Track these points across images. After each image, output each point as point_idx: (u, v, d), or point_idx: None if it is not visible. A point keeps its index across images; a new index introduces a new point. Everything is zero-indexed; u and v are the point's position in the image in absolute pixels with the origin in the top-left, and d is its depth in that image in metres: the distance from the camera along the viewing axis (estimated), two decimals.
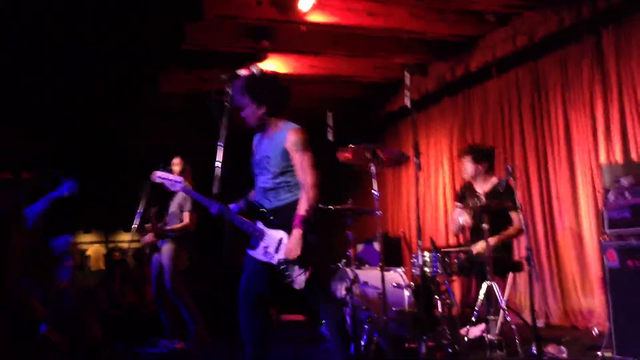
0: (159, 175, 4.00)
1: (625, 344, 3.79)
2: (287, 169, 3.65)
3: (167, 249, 5.65)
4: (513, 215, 5.17)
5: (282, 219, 3.60)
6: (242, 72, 3.35)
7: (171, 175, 4.01)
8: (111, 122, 8.84)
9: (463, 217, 5.27)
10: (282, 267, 3.53)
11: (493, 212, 4.88)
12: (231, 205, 3.78)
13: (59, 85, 7.51)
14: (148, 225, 5.65)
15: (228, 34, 6.59)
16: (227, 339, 3.10)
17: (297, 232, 3.48)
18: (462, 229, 5.53)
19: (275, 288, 3.69)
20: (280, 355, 5.05)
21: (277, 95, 3.71)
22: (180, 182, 3.95)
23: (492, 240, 4.80)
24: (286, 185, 3.66)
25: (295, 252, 3.47)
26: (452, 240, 7.70)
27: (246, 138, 3.90)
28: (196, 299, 5.71)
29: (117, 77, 7.48)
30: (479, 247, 5.11)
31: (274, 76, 3.78)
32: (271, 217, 3.65)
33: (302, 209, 3.52)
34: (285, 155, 3.64)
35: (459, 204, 5.50)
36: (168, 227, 5.69)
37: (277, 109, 3.73)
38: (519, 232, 5.20)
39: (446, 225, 8.00)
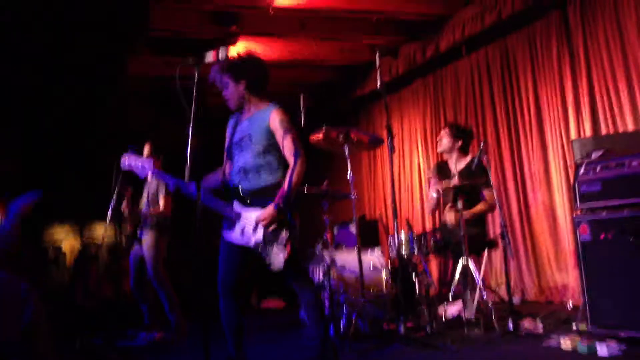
0: (127, 163, 3.85)
1: (599, 316, 3.83)
2: (269, 147, 3.59)
3: (147, 239, 5.56)
4: (485, 192, 5.19)
5: (262, 200, 3.51)
6: (209, 55, 3.27)
7: (139, 159, 3.80)
8: (82, 107, 8.64)
9: (434, 190, 5.26)
10: (260, 247, 3.48)
11: (465, 191, 4.91)
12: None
13: (26, 73, 7.32)
14: (123, 208, 5.53)
15: (194, 19, 6.48)
16: (203, 327, 3.05)
17: (273, 204, 3.42)
18: (437, 205, 5.53)
19: (254, 273, 3.64)
20: (261, 341, 5.04)
21: (255, 70, 3.70)
22: (148, 166, 3.75)
23: (464, 215, 4.82)
24: (268, 167, 3.59)
25: (267, 220, 3.41)
26: (428, 220, 7.76)
27: (218, 123, 3.84)
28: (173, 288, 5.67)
29: (84, 64, 7.30)
30: (451, 216, 5.12)
31: (250, 54, 3.77)
32: (249, 198, 3.57)
33: (286, 185, 3.46)
34: (268, 134, 3.58)
35: (432, 177, 5.49)
36: (143, 212, 5.60)
37: (256, 86, 3.70)
38: (491, 207, 5.23)
39: (422, 206, 8.03)
